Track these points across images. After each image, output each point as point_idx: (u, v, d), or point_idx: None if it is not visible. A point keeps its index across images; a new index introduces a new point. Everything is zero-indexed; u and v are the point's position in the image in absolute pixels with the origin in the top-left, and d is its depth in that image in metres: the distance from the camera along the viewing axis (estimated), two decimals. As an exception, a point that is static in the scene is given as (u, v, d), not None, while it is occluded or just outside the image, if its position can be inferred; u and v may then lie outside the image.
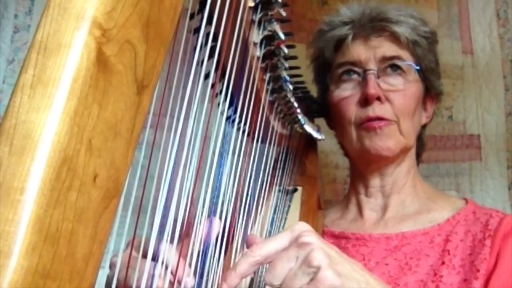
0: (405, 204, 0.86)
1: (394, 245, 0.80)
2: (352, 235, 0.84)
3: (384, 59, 0.84)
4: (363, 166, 0.89)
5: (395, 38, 0.84)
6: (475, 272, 0.71)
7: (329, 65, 0.90)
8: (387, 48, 0.84)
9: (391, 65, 0.84)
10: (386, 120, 0.82)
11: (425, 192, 0.89)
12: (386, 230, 0.83)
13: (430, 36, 0.88)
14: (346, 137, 0.87)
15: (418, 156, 0.94)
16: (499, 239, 0.74)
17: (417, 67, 0.85)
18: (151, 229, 0.44)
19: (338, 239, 0.85)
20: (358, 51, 0.85)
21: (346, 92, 0.85)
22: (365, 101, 0.82)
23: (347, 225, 0.88)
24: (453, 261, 0.74)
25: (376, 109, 0.82)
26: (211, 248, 0.56)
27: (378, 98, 0.82)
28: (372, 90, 0.81)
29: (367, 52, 0.84)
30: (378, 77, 0.83)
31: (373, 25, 0.85)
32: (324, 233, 0.87)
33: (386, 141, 0.82)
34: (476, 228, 0.78)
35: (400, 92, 0.83)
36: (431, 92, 0.90)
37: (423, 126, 0.92)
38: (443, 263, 0.74)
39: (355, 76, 0.85)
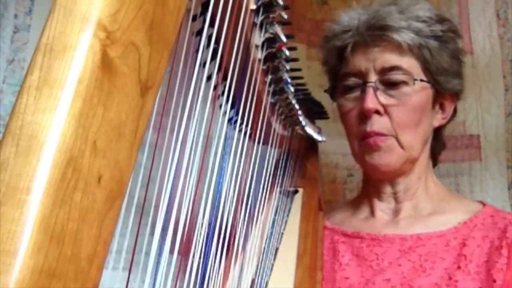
0: (417, 208, 0.85)
1: (408, 246, 0.79)
2: (367, 235, 0.83)
3: (384, 70, 0.80)
4: (373, 176, 0.88)
5: (395, 47, 0.80)
6: (492, 282, 0.71)
7: (335, 74, 0.89)
8: (387, 59, 0.80)
9: (390, 80, 0.80)
10: (383, 135, 0.80)
11: (439, 194, 0.87)
12: (401, 231, 0.82)
13: (442, 35, 0.82)
14: (352, 148, 0.86)
15: (435, 156, 0.91)
16: None
17: (416, 78, 0.81)
18: (154, 230, 0.44)
19: (351, 239, 0.84)
20: (359, 61, 0.82)
21: (350, 104, 0.84)
22: (364, 115, 0.81)
23: (360, 224, 0.87)
24: (469, 267, 0.73)
25: (373, 124, 0.80)
26: (213, 249, 0.56)
27: (377, 112, 0.80)
28: (370, 104, 0.79)
29: (366, 63, 0.81)
30: (378, 89, 0.80)
31: (372, 34, 0.81)
32: (334, 232, 0.87)
33: (385, 157, 0.81)
34: (493, 234, 0.77)
35: (400, 105, 0.80)
36: (444, 93, 0.85)
37: (440, 127, 0.88)
38: (458, 267, 0.74)
39: (356, 88, 0.83)
